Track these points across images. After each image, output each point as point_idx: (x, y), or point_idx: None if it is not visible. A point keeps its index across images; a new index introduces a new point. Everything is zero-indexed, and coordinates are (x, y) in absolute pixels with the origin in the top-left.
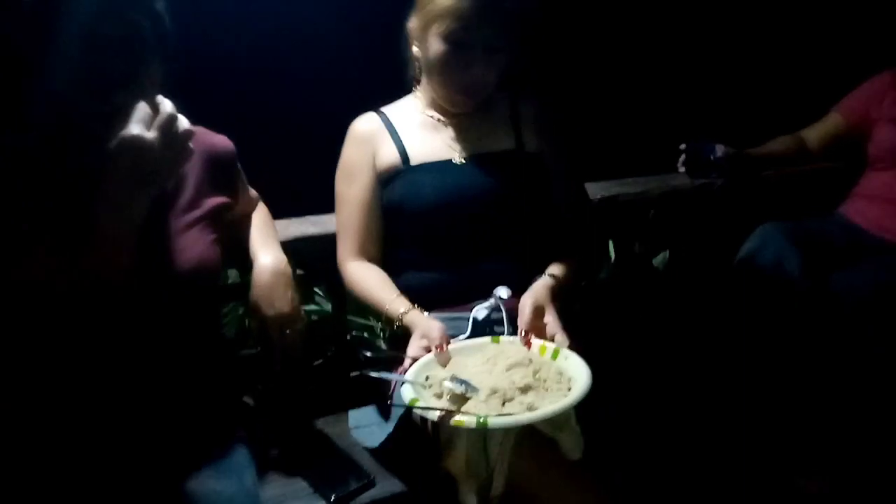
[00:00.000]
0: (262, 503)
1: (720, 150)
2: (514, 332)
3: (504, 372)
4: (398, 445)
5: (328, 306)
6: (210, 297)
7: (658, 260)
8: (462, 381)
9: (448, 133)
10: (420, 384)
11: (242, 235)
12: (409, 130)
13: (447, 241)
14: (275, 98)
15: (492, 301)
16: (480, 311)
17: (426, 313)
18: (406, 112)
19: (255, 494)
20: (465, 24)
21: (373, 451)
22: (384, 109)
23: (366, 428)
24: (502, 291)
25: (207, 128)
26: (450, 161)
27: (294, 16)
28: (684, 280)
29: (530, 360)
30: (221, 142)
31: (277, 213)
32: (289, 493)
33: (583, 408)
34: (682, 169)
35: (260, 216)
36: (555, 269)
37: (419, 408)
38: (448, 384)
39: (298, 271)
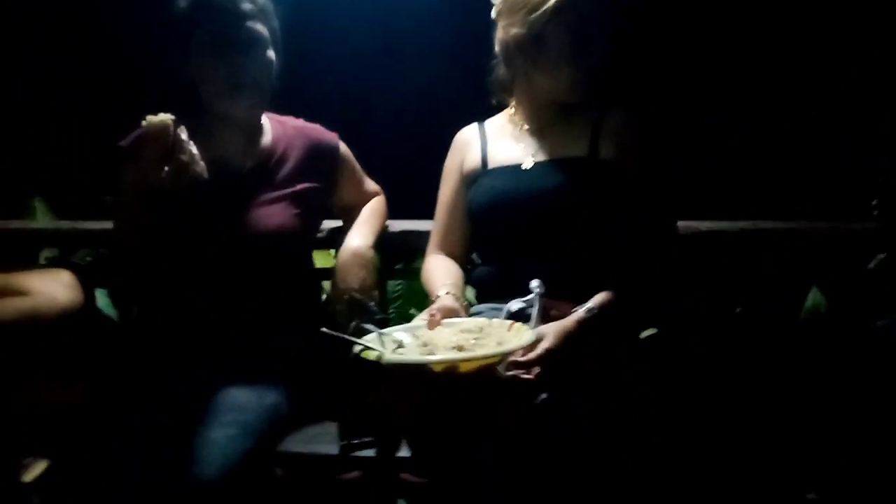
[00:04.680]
0: (277, 422)
1: None
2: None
3: (452, 334)
4: None
5: None
6: (296, 258)
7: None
8: (411, 334)
9: (529, 140)
10: (391, 339)
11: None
12: (496, 138)
13: (500, 240)
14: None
15: (530, 297)
16: (516, 303)
17: (462, 302)
18: (500, 122)
19: (267, 410)
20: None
21: None
22: (487, 120)
23: None
24: (534, 284)
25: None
26: (519, 166)
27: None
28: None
29: (481, 329)
30: (326, 136)
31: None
32: (323, 431)
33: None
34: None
35: (370, 207)
36: (597, 300)
37: (346, 338)
38: (395, 333)
39: None
